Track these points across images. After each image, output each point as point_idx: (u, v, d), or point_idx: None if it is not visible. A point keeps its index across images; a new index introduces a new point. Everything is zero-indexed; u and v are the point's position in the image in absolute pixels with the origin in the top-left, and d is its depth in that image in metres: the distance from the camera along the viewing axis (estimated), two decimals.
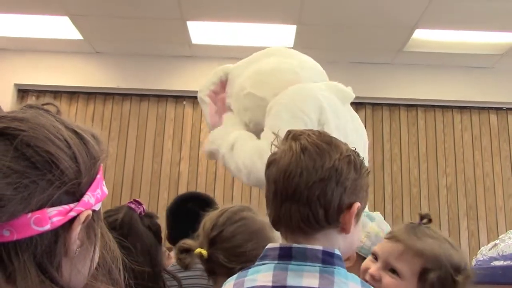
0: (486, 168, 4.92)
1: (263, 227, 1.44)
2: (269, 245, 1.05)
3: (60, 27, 4.45)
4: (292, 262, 0.99)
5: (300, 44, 4.60)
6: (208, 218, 1.49)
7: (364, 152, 2.20)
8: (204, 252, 1.41)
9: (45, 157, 0.67)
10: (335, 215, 1.01)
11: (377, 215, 1.70)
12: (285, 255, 1.00)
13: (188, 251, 1.46)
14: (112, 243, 0.80)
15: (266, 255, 1.03)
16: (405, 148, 4.95)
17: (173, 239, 2.36)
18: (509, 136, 5.00)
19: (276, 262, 1.00)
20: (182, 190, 4.77)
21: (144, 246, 1.54)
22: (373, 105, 5.04)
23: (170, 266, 2.03)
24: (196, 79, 4.91)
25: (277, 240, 1.46)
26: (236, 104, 2.36)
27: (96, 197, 0.73)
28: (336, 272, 0.98)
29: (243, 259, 1.35)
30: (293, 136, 1.07)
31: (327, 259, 0.99)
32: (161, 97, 5.01)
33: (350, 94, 2.37)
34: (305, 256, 0.99)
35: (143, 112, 5.00)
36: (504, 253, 1.33)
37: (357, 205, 1.02)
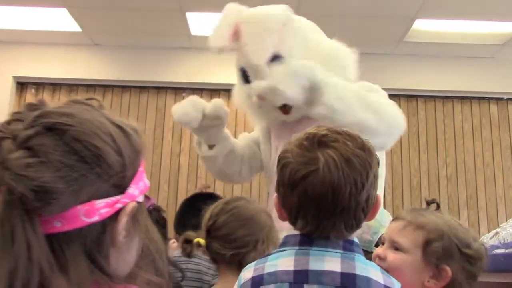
0: (486, 158, 4.91)
1: (255, 214, 1.49)
2: (289, 232, 1.05)
3: (59, 19, 4.43)
4: (314, 248, 1.00)
5: None
6: (207, 210, 1.55)
7: None
8: (202, 241, 1.50)
9: (93, 151, 0.69)
10: (370, 211, 1.04)
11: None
12: (306, 241, 1.02)
13: (189, 241, 1.54)
14: (156, 234, 0.83)
15: (286, 242, 1.04)
16: (405, 139, 4.94)
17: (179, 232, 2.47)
18: (509, 126, 4.99)
19: (297, 247, 1.01)
20: (182, 182, 4.77)
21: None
22: None
23: (175, 254, 2.10)
24: (196, 71, 4.91)
25: (273, 225, 1.49)
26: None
27: (139, 189, 0.76)
28: (357, 258, 1.01)
29: (234, 245, 1.42)
30: (324, 141, 1.01)
31: (348, 246, 1.01)
32: (161, 89, 5.00)
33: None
34: (326, 243, 1.00)
35: (142, 104, 4.99)
36: (506, 241, 1.33)
37: (380, 196, 1.04)
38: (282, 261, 1.01)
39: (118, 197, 0.72)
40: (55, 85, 4.99)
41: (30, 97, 4.97)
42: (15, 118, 0.72)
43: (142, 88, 5.00)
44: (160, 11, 4.27)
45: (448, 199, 4.83)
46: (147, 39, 4.80)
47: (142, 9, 4.24)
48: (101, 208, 0.70)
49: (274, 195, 1.08)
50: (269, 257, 1.04)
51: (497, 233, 1.41)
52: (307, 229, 1.01)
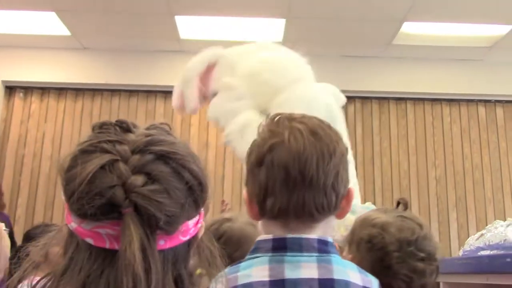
0: (475, 160, 4.95)
1: (243, 231, 1.47)
2: (261, 237, 1.00)
3: (47, 23, 4.41)
4: (288, 254, 0.95)
5: (289, 37, 4.60)
6: None
7: None
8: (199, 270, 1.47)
9: (196, 179, 0.76)
10: (340, 201, 1.00)
11: (364, 206, 1.68)
12: (280, 246, 0.96)
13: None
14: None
15: (257, 248, 0.99)
16: (394, 141, 4.97)
17: None
18: (497, 128, 5.02)
19: (270, 254, 0.96)
20: None
21: None
22: (363, 98, 5.05)
23: None
24: None
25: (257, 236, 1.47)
26: (246, 87, 2.29)
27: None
28: (333, 260, 0.97)
29: None
30: (290, 118, 1.00)
31: (323, 247, 0.97)
32: (150, 92, 4.99)
33: (343, 98, 2.41)
34: (300, 247, 0.96)
35: (132, 108, 4.98)
36: (491, 243, 1.33)
37: (352, 189, 1.01)
38: (256, 270, 0.95)
39: (197, 217, 0.79)
40: (44, 89, 4.96)
41: (18, 101, 4.94)
42: (113, 138, 0.75)
43: (131, 92, 4.99)
44: (149, 14, 4.27)
45: (437, 201, 4.85)
46: (137, 42, 4.79)
47: (131, 13, 4.24)
48: (191, 228, 0.77)
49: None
50: (241, 265, 0.98)
51: (482, 234, 1.42)
52: (277, 206, 0.95)
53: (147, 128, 0.79)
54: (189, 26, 4.44)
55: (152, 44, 4.82)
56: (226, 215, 1.58)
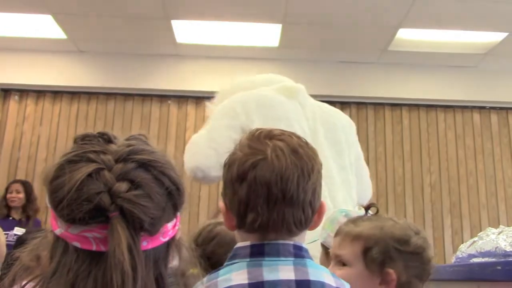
0: (469, 166, 4.96)
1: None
2: (238, 244, 1.03)
3: (43, 26, 4.41)
4: (266, 258, 0.99)
5: (285, 43, 4.62)
6: (188, 241, 1.56)
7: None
8: (195, 271, 1.50)
9: (175, 185, 0.83)
10: (314, 216, 1.04)
11: (352, 211, 1.69)
12: (257, 252, 1.00)
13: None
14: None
15: (236, 254, 1.02)
16: (389, 147, 4.98)
17: None
18: (491, 134, 5.05)
19: (248, 259, 1.00)
20: None
21: None
22: (358, 104, 5.06)
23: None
24: (181, 78, 4.92)
25: None
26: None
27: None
28: (308, 263, 1.01)
29: None
30: (271, 135, 1.03)
31: (298, 252, 1.01)
32: (146, 96, 4.99)
33: (294, 88, 2.33)
34: (278, 252, 0.99)
35: (127, 111, 4.98)
36: (482, 250, 1.34)
37: (324, 203, 1.04)
38: (235, 275, 0.98)
39: (175, 220, 0.86)
40: (40, 92, 4.95)
41: (13, 103, 4.93)
42: (97, 149, 0.82)
43: (127, 96, 4.99)
44: (145, 18, 4.27)
45: (432, 206, 4.87)
46: (133, 46, 4.79)
47: (128, 17, 4.24)
48: (171, 229, 0.84)
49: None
50: (220, 271, 1.00)
51: (474, 242, 1.43)
52: (258, 222, 0.98)
53: (127, 139, 0.86)
54: (185, 30, 4.45)
55: (148, 48, 4.82)
56: (220, 218, 1.60)
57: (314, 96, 5.17)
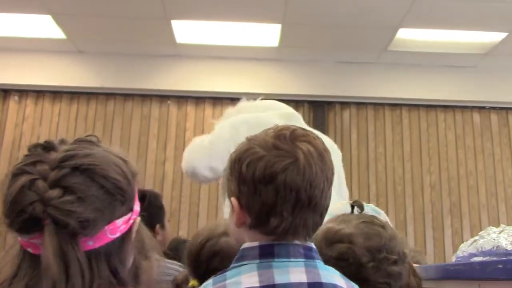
0: (469, 166, 4.96)
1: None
2: (245, 245, 1.01)
3: (43, 26, 4.41)
4: (276, 260, 0.97)
5: (285, 43, 4.61)
6: (190, 252, 1.55)
7: None
8: (195, 283, 1.51)
9: (115, 184, 0.87)
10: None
11: (370, 206, 1.65)
12: (267, 253, 0.98)
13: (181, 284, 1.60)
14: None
15: (243, 256, 1.00)
16: (389, 147, 4.97)
17: None
18: (492, 135, 5.04)
19: (257, 261, 0.97)
20: (167, 190, 4.75)
21: None
22: (358, 104, 5.06)
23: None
24: (181, 78, 4.91)
25: None
26: None
27: (139, 204, 0.96)
28: (319, 265, 0.99)
29: None
30: (296, 136, 1.01)
31: (308, 253, 1.00)
32: (146, 96, 4.98)
33: (294, 115, 2.57)
34: (288, 253, 0.98)
35: (127, 112, 4.97)
36: (484, 249, 1.34)
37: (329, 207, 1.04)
38: (245, 277, 0.95)
39: (129, 214, 0.91)
40: (39, 93, 4.95)
41: (13, 104, 4.92)
42: (35, 159, 0.86)
43: (126, 96, 4.98)
44: (145, 18, 4.27)
45: (432, 207, 4.86)
46: (132, 46, 4.79)
47: (127, 17, 4.24)
48: (121, 225, 0.89)
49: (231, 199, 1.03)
50: (228, 273, 0.98)
51: (475, 241, 1.42)
52: (281, 227, 0.97)
53: (72, 143, 0.91)
54: (185, 30, 4.44)
55: (148, 48, 4.82)
56: (221, 227, 1.56)
57: (314, 96, 5.19)
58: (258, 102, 2.71)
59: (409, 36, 4.45)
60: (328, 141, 2.62)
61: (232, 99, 4.93)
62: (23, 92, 4.95)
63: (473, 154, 4.99)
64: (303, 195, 0.96)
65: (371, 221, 1.26)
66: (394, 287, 1.21)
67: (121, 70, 4.90)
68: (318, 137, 1.04)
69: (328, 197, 1.01)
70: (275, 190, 0.96)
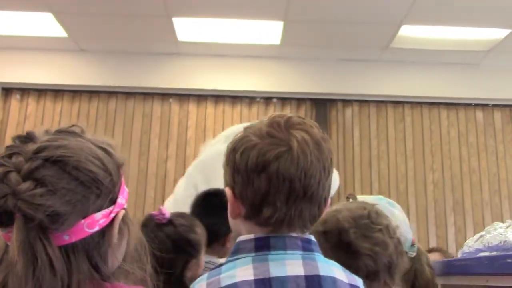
0: (472, 164, 4.94)
1: None
2: (241, 238, 0.98)
3: (44, 24, 4.39)
4: (272, 252, 0.94)
5: (287, 40, 4.60)
6: None
7: None
8: None
9: (90, 175, 0.84)
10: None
11: (385, 199, 1.63)
12: (263, 246, 0.95)
13: None
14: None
15: (239, 249, 0.97)
16: (392, 145, 4.96)
17: None
18: (495, 132, 5.02)
19: (253, 254, 0.95)
20: (169, 189, 4.73)
21: (151, 253, 1.55)
22: (360, 102, 5.04)
23: None
24: (183, 77, 4.90)
25: None
26: None
27: (125, 197, 0.93)
28: (317, 258, 0.96)
29: None
30: (291, 123, 0.98)
31: (306, 246, 0.97)
32: (147, 94, 4.97)
33: (231, 131, 2.63)
34: (284, 245, 0.95)
35: (129, 110, 4.96)
36: (490, 245, 1.32)
37: (328, 199, 1.01)
38: (240, 271, 0.92)
39: (111, 208, 0.88)
40: (41, 91, 4.94)
41: (15, 103, 4.92)
42: (12, 151, 0.84)
43: (128, 94, 4.97)
44: (146, 16, 4.26)
45: (434, 204, 4.84)
46: (134, 44, 4.78)
47: (129, 15, 4.23)
48: (100, 219, 0.86)
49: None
50: (223, 267, 0.96)
51: (481, 236, 1.41)
52: (275, 217, 0.93)
53: (53, 134, 0.89)
54: (186, 28, 4.43)
55: (149, 46, 4.81)
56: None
57: (316, 94, 5.18)
58: (217, 138, 2.92)
59: (412, 33, 4.43)
60: None
61: (234, 97, 4.95)
62: (25, 90, 4.94)
63: (476, 152, 4.97)
64: (297, 185, 0.93)
65: (358, 201, 1.28)
66: (381, 257, 1.20)
67: (123, 68, 4.89)
68: (315, 126, 1.00)
69: (326, 188, 0.97)
70: (267, 179, 0.93)
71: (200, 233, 1.60)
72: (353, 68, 4.93)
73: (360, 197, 1.54)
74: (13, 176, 0.80)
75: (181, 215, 1.67)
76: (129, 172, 4.74)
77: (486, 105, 5.06)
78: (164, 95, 4.97)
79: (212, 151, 2.66)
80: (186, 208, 2.42)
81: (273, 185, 0.93)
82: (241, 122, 4.77)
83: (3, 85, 4.91)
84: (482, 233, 1.42)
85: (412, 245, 1.54)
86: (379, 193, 4.81)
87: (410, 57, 4.86)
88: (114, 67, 4.90)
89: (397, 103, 5.04)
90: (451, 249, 4.70)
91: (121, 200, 0.91)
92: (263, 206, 0.94)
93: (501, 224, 1.41)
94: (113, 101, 4.97)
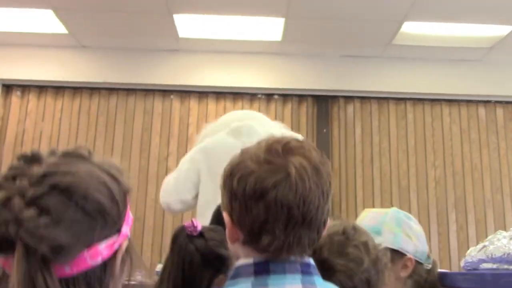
0: (474, 161, 4.92)
1: None
2: (240, 262, 0.97)
3: (44, 21, 4.38)
4: (271, 276, 0.94)
5: (288, 37, 4.58)
6: None
7: None
8: None
9: (97, 206, 0.81)
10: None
11: (402, 213, 1.60)
12: (262, 270, 0.94)
13: None
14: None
15: (239, 273, 0.96)
16: (394, 142, 4.94)
17: None
18: (497, 129, 5.00)
19: (252, 278, 0.94)
20: None
21: (180, 264, 1.54)
22: (362, 98, 5.02)
23: None
24: (184, 73, 4.88)
25: None
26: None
27: (129, 225, 0.89)
28: (317, 281, 0.96)
29: None
30: (289, 148, 0.96)
31: (306, 269, 0.97)
32: (148, 91, 4.96)
33: (240, 128, 2.68)
34: (284, 269, 0.95)
35: (130, 106, 4.94)
36: (494, 256, 1.31)
37: (327, 222, 1.00)
38: None
39: (114, 237, 0.84)
40: (41, 88, 4.93)
41: (15, 99, 4.91)
42: (16, 173, 0.80)
43: (129, 91, 4.96)
44: (147, 13, 4.23)
45: (436, 201, 4.83)
46: (135, 41, 4.76)
47: (129, 11, 4.20)
48: (103, 250, 0.82)
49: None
50: None
51: (484, 246, 1.40)
52: (274, 245, 0.93)
53: (60, 156, 0.84)
54: (187, 24, 4.41)
55: (150, 43, 4.79)
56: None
57: (318, 90, 5.16)
58: (219, 121, 2.93)
59: (414, 30, 4.41)
60: (286, 130, 2.82)
61: (235, 93, 4.94)
62: (25, 87, 4.93)
63: (478, 148, 4.95)
64: (295, 212, 0.92)
65: (340, 221, 1.27)
66: (357, 273, 1.19)
67: (124, 65, 4.88)
68: (314, 149, 0.99)
69: (325, 212, 0.96)
70: (265, 207, 0.92)
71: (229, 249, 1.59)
72: (355, 65, 4.91)
73: (375, 210, 1.53)
74: (16, 202, 0.76)
75: (213, 229, 1.65)
76: (130, 170, 4.74)
77: (489, 101, 5.04)
78: (165, 92, 4.95)
79: (216, 140, 2.68)
80: (185, 190, 2.63)
81: (271, 213, 0.92)
82: None
83: (4, 82, 4.90)
84: (486, 243, 1.41)
85: (428, 257, 1.54)
86: (381, 190, 4.82)
87: (412, 54, 4.84)
88: (115, 64, 4.88)
89: (399, 99, 5.03)
90: (453, 246, 4.70)
91: (126, 229, 0.87)
92: (262, 234, 0.93)
93: (504, 234, 1.40)
94: (114, 98, 4.95)
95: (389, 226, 1.47)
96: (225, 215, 0.99)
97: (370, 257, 1.20)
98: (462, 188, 4.87)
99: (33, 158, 0.83)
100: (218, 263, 1.55)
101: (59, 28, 4.49)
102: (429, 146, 4.95)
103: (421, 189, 4.86)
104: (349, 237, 1.21)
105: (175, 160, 4.78)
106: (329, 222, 1.18)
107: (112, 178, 0.86)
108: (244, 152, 1.00)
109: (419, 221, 4.92)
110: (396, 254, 1.49)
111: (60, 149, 0.87)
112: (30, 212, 0.76)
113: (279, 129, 2.74)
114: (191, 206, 2.76)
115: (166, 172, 4.74)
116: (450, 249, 4.71)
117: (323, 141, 4.86)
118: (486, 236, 4.61)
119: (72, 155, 0.85)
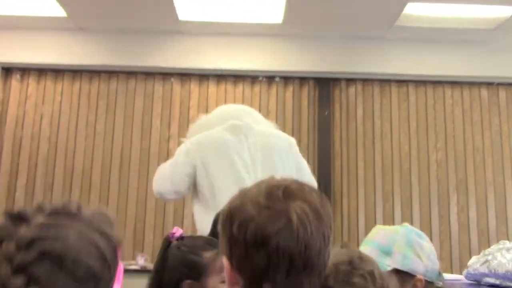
0: (476, 143, 4.91)
1: None
2: None
3: (44, 4, 4.33)
4: None
5: (290, 18, 4.52)
6: None
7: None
8: None
9: (87, 271, 0.78)
10: None
11: (414, 231, 1.58)
12: None
13: None
14: None
15: None
16: (395, 124, 4.93)
17: None
18: (499, 110, 4.98)
19: None
20: None
21: (159, 267, 1.64)
22: (364, 80, 4.99)
23: None
24: (184, 56, 4.84)
25: None
26: None
27: (120, 280, 0.86)
28: None
29: None
30: (289, 192, 0.95)
31: None
32: (149, 74, 4.93)
33: (238, 126, 2.73)
34: None
35: (130, 89, 4.92)
36: (497, 272, 1.31)
37: (328, 264, 1.00)
38: None
39: None
40: (41, 71, 4.89)
41: (15, 83, 4.88)
42: (2, 235, 0.76)
43: (129, 74, 4.92)
44: None
45: (438, 183, 4.84)
46: (135, 24, 4.71)
47: None
48: None
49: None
50: None
51: (487, 261, 1.39)
52: None
53: (48, 215, 0.80)
54: (187, 7, 4.36)
55: (150, 26, 4.74)
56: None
57: (319, 73, 5.10)
58: (214, 114, 2.97)
59: (417, 11, 4.35)
60: (277, 131, 2.88)
61: (236, 76, 4.90)
62: (25, 70, 4.90)
63: (480, 130, 4.94)
64: (297, 259, 0.91)
65: (347, 249, 1.26)
66: None
67: (123, 48, 4.84)
68: (314, 191, 0.98)
69: (326, 255, 0.96)
70: (267, 255, 0.91)
71: (207, 257, 1.61)
72: (357, 47, 4.86)
73: (386, 228, 1.51)
74: (3, 268, 0.73)
75: (192, 236, 1.73)
76: (131, 152, 4.74)
77: (491, 83, 5.00)
78: (166, 75, 4.92)
79: (213, 135, 2.73)
80: (181, 183, 2.69)
81: (273, 261, 0.91)
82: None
83: (3, 65, 4.87)
84: (488, 257, 1.40)
85: (439, 274, 1.53)
86: (383, 173, 4.82)
87: (415, 36, 4.79)
88: (114, 47, 4.84)
89: (401, 81, 4.99)
90: (453, 228, 4.72)
91: (116, 287, 0.85)
92: (263, 281, 0.93)
93: (507, 245, 1.40)
94: (114, 81, 4.92)
95: (399, 247, 1.44)
96: (224, 260, 0.98)
97: (376, 287, 1.20)
98: (463, 170, 4.87)
99: (20, 217, 0.79)
100: (186, 269, 1.60)
101: (58, 11, 4.44)
102: (431, 128, 4.94)
103: (423, 171, 4.86)
104: (355, 266, 1.20)
105: (176, 143, 4.75)
106: (336, 250, 1.18)
107: (103, 236, 0.83)
108: (243, 194, 0.98)
109: (420, 204, 4.94)
110: (406, 275, 1.48)
111: (48, 207, 0.83)
112: (18, 281, 0.73)
113: (271, 129, 2.89)
114: (182, 197, 2.98)
115: (167, 154, 4.74)
116: (451, 231, 4.73)
117: (325, 123, 4.85)
118: (487, 220, 4.57)
119: (61, 213, 0.82)
